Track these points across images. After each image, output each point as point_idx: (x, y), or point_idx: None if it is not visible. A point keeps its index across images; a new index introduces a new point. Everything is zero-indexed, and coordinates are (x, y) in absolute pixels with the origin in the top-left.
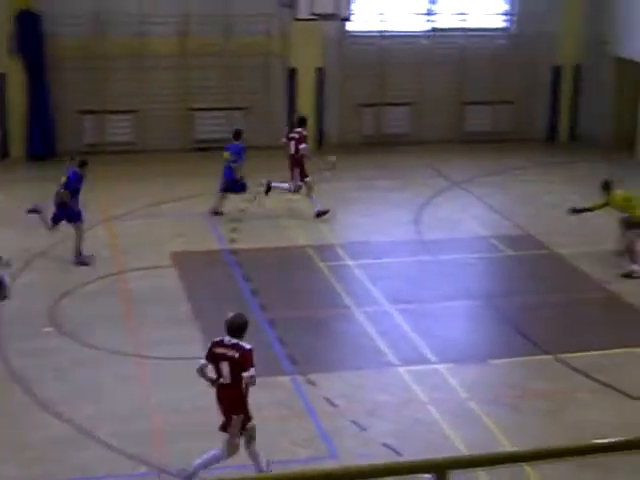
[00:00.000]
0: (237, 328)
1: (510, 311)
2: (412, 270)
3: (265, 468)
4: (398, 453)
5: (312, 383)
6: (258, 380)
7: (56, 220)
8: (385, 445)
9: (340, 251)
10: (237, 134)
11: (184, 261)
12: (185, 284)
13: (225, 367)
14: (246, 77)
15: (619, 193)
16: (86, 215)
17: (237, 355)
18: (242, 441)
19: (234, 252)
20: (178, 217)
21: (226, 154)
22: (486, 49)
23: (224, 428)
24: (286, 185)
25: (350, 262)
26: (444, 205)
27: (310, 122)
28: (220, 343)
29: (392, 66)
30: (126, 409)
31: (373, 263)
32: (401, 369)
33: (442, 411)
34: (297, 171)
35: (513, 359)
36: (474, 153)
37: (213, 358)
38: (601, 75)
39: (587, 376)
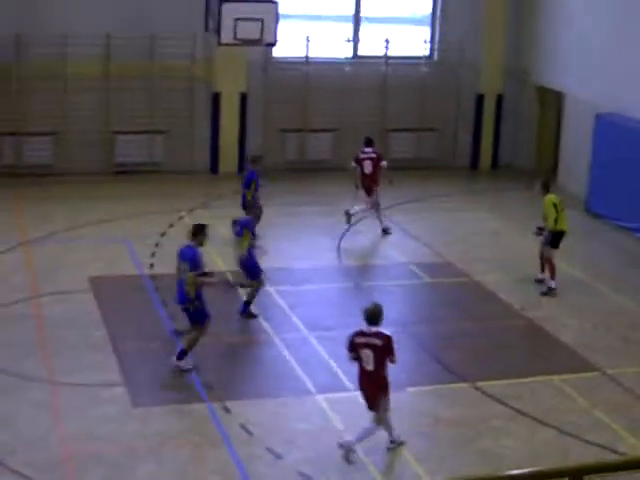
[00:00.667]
0: (377, 317)
1: (428, 338)
2: (332, 297)
3: (396, 438)
4: None
5: (228, 410)
6: (172, 407)
7: None
8: (300, 473)
9: None
10: (254, 160)
11: (102, 286)
12: (102, 309)
13: (369, 354)
14: (169, 101)
15: (551, 196)
16: (3, 238)
17: (380, 342)
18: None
19: (153, 277)
20: (97, 241)
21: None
22: (409, 76)
23: (371, 408)
24: (362, 206)
25: (270, 288)
26: (366, 232)
27: (233, 147)
28: (361, 333)
29: (316, 92)
30: (39, 437)
31: (293, 289)
32: (319, 396)
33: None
34: (376, 189)
35: (430, 387)
36: (397, 180)
37: (355, 348)
38: (523, 104)
39: (502, 403)
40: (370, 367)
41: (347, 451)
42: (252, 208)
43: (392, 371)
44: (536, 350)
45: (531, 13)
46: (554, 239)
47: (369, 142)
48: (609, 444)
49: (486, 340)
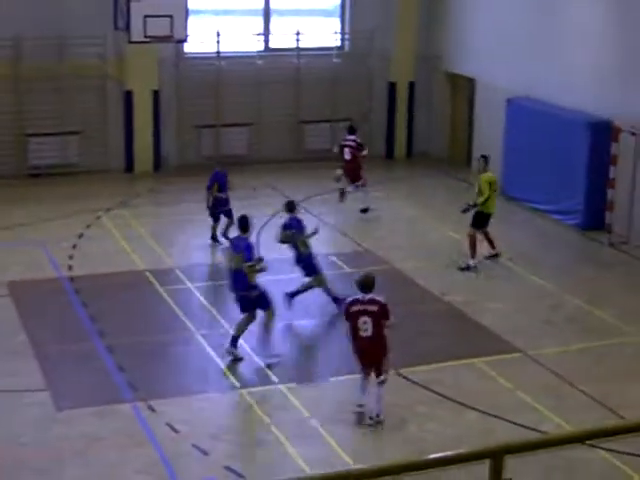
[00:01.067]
0: (370, 285)
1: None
2: None
3: (381, 414)
4: (240, 475)
5: (152, 409)
6: (97, 409)
7: None
8: (228, 468)
9: (180, 274)
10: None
11: (21, 290)
12: (22, 314)
13: (367, 320)
14: (81, 101)
15: (489, 175)
16: None
17: (377, 308)
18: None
19: (72, 279)
20: (14, 245)
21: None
22: (321, 68)
23: (377, 372)
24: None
25: (190, 285)
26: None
27: (147, 144)
28: (356, 301)
29: (229, 87)
30: None
31: (213, 285)
32: (243, 391)
33: (284, 431)
34: (361, 171)
35: (353, 376)
36: (313, 171)
37: (351, 316)
38: (435, 91)
39: (426, 389)
40: (368, 333)
41: (377, 423)
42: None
43: (315, 361)
44: (458, 334)
45: (442, 1)
46: (480, 219)
47: (351, 130)
48: (533, 424)
49: (408, 326)
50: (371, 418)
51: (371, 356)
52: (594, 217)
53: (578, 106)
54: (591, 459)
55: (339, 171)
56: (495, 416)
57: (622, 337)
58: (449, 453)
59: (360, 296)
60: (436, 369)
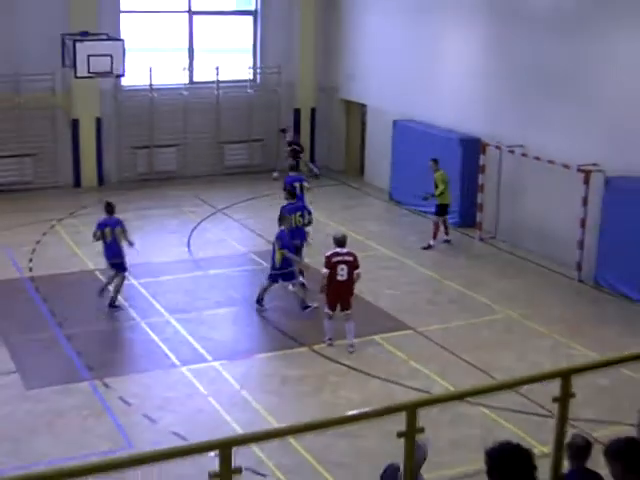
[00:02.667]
0: (344, 241)
1: (271, 313)
2: (187, 284)
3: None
4: (184, 439)
5: (107, 386)
6: (60, 387)
7: None
8: (174, 433)
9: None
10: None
11: None
12: None
13: (344, 268)
14: (35, 127)
15: (440, 172)
16: None
17: (352, 259)
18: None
19: (32, 279)
20: None
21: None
22: (238, 97)
23: (345, 308)
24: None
25: (134, 281)
26: (210, 228)
27: (91, 164)
28: (336, 254)
29: (160, 114)
30: None
31: (153, 281)
32: (183, 368)
33: (220, 401)
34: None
35: (275, 352)
36: (233, 184)
37: (332, 265)
38: (333, 115)
39: (335, 362)
40: (345, 277)
41: (351, 345)
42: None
43: (242, 341)
44: (360, 316)
45: (335, 39)
46: (440, 209)
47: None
48: (425, 388)
49: (318, 311)
50: (351, 346)
51: (343, 295)
52: (467, 216)
53: (453, 126)
54: (474, 414)
55: (275, 174)
56: (394, 382)
57: (493, 315)
58: (368, 409)
59: (338, 249)
60: (343, 345)
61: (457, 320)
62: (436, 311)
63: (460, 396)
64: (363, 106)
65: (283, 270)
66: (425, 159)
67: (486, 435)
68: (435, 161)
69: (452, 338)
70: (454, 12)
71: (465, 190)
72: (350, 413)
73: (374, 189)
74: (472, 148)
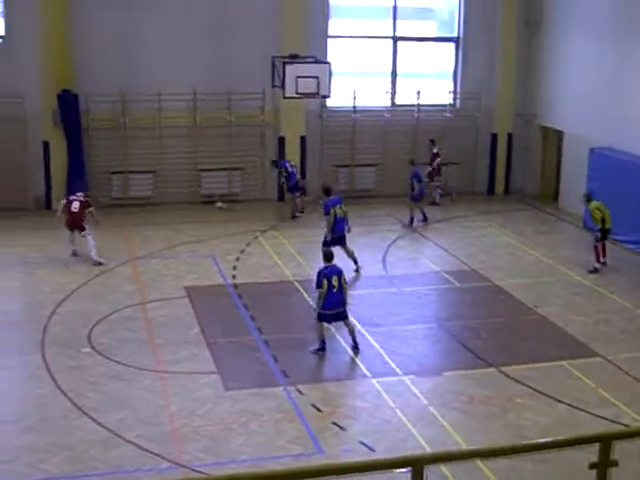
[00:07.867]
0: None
1: (459, 332)
2: (379, 300)
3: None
4: (372, 449)
5: (301, 392)
6: (256, 390)
7: None
8: (361, 442)
9: None
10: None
11: (195, 293)
12: (196, 312)
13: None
14: (244, 143)
15: (595, 203)
16: (116, 257)
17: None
18: None
19: (235, 286)
20: (189, 257)
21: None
22: (436, 120)
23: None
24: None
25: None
26: (405, 247)
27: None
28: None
29: (361, 134)
30: (150, 415)
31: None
32: (373, 380)
33: (407, 414)
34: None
35: (462, 371)
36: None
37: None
38: (530, 140)
39: (522, 384)
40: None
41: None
42: None
43: (430, 357)
44: (547, 339)
45: (535, 68)
46: (602, 234)
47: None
48: (612, 417)
49: (506, 332)
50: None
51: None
52: None
53: None
54: None
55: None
56: (581, 409)
57: None
58: (547, 439)
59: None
60: (530, 368)
61: None
62: (626, 340)
63: None
64: (560, 132)
65: None
66: (622, 188)
67: None
68: (588, 197)
69: None
70: None
71: None
72: (546, 440)
73: (568, 215)
74: None
